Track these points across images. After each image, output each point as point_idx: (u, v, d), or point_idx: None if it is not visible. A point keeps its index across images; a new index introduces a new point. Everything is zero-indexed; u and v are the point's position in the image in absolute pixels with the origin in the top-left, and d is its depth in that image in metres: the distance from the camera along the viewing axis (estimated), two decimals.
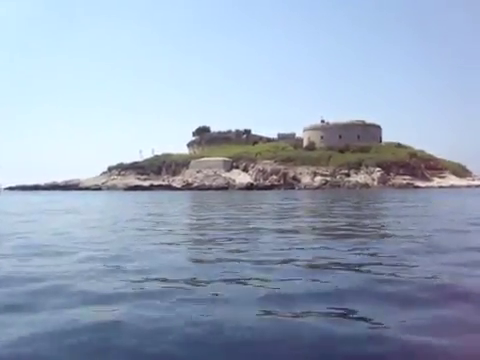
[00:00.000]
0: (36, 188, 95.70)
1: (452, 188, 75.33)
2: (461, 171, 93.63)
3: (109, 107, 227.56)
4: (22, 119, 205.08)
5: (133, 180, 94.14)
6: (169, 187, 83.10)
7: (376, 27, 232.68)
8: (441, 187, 78.59)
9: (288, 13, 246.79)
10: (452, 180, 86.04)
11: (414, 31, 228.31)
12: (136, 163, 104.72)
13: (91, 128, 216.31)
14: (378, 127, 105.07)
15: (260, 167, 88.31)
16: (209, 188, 78.33)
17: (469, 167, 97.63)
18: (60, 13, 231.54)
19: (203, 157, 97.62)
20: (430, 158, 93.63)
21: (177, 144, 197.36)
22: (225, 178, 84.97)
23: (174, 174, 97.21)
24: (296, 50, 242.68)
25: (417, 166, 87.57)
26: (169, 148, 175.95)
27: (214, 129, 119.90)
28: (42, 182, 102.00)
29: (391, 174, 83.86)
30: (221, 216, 16.01)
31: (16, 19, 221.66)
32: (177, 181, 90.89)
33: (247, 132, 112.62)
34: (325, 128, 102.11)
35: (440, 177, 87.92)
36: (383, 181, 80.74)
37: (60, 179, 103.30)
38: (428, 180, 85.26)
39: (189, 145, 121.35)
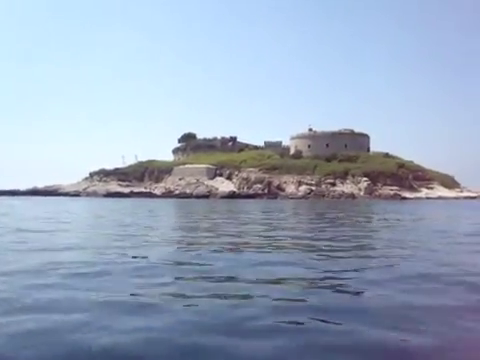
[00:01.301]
0: (14, 193, 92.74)
1: (440, 199, 73.77)
2: (450, 182, 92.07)
3: (95, 112, 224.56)
4: (5, 124, 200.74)
5: (115, 186, 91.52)
6: (150, 194, 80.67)
7: (367, 35, 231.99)
8: (429, 198, 76.96)
9: (277, 21, 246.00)
10: (440, 191, 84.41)
11: (406, 40, 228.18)
12: (118, 169, 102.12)
13: (77, 134, 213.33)
14: (366, 136, 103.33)
15: (244, 175, 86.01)
16: (190, 196, 75.95)
17: (458, 178, 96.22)
18: (45, 18, 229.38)
19: (186, 164, 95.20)
20: (418, 169, 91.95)
21: (164, 151, 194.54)
22: (207, 186, 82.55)
23: (157, 181, 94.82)
24: (286, 58, 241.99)
25: (405, 177, 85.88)
26: (156, 155, 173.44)
27: (201, 136, 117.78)
28: (23, 187, 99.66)
29: (378, 184, 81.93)
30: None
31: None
32: (159, 188, 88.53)
33: (233, 139, 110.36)
34: (312, 137, 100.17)
35: (428, 188, 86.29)
36: (370, 191, 78.74)
37: (42, 184, 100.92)
38: (416, 191, 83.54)
39: (174, 152, 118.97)
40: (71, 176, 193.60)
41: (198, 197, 74.00)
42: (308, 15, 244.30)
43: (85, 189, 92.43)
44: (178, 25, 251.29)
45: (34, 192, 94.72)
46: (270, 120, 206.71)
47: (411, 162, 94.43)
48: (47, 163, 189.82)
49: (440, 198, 77.29)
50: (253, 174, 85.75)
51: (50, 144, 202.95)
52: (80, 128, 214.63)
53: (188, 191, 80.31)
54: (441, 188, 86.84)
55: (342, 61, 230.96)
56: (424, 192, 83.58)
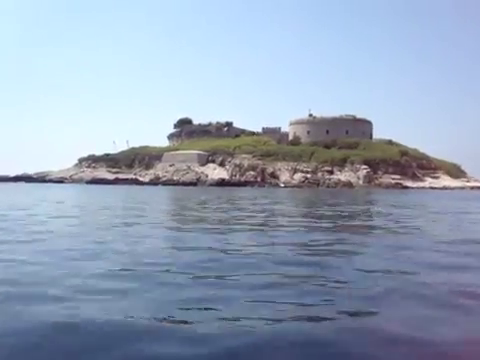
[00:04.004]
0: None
1: (444, 189, 68.98)
2: (456, 171, 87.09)
3: (90, 98, 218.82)
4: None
5: (103, 173, 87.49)
6: (136, 181, 76.32)
7: (370, 18, 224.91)
8: (433, 188, 72.15)
9: (276, 5, 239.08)
10: (445, 181, 79.60)
11: (409, 22, 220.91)
12: (108, 155, 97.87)
13: (72, 119, 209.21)
14: (369, 123, 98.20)
15: (237, 162, 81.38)
16: (177, 183, 71.52)
17: (464, 167, 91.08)
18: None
19: (178, 150, 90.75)
20: (423, 157, 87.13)
21: (161, 137, 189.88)
22: (197, 173, 78.18)
23: (147, 168, 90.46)
24: (286, 42, 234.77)
25: (408, 165, 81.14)
26: (152, 141, 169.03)
27: (198, 122, 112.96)
28: (19, 172, 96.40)
29: (379, 173, 77.32)
30: None
31: None
32: (149, 175, 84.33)
33: (228, 125, 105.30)
34: (312, 122, 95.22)
35: (433, 177, 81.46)
36: (369, 180, 73.93)
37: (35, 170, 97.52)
38: (419, 180, 78.80)
39: (169, 138, 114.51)
40: (68, 162, 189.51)
41: (185, 184, 69.59)
42: (309, 1, 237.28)
43: (72, 176, 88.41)
44: (174, 10, 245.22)
45: (20, 178, 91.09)
46: (270, 106, 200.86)
47: (416, 150, 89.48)
48: (44, 149, 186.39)
49: (445, 188, 72.42)
50: (246, 161, 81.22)
51: (46, 129, 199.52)
52: (75, 113, 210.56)
53: (175, 178, 75.99)
54: (446, 177, 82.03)
55: (344, 45, 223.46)
56: (428, 181, 78.87)
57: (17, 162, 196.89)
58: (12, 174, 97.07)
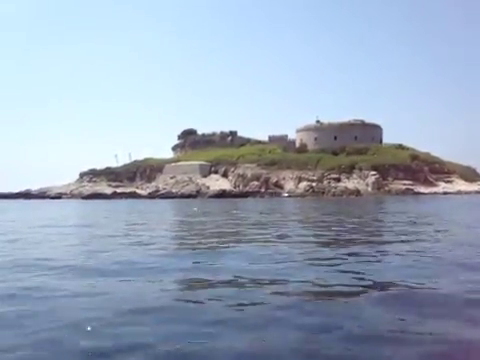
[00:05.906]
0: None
1: (459, 194, 65.06)
2: (470, 175, 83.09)
3: (93, 111, 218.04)
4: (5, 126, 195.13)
5: (103, 187, 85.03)
6: (134, 195, 73.56)
7: (376, 22, 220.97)
8: (446, 193, 68.08)
9: (281, 10, 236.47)
10: (460, 185, 75.58)
11: (418, 24, 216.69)
12: (109, 169, 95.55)
13: (78, 134, 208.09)
14: (378, 127, 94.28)
15: (240, 171, 78.25)
16: (175, 196, 68.54)
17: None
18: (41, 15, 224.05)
19: (180, 161, 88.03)
20: (435, 161, 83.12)
21: (166, 149, 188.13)
22: (197, 184, 75.22)
23: (149, 180, 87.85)
24: (293, 48, 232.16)
25: (419, 169, 77.15)
26: (157, 153, 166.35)
27: (203, 132, 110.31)
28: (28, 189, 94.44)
29: (389, 178, 73.52)
30: None
31: None
32: (150, 188, 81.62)
33: (232, 134, 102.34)
34: (319, 129, 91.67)
35: (446, 182, 77.42)
36: (378, 186, 70.14)
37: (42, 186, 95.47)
38: (432, 185, 74.87)
39: (174, 149, 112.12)
40: (72, 177, 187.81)
41: (184, 197, 66.59)
42: (314, 3, 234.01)
43: (72, 191, 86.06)
44: (178, 19, 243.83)
45: (21, 195, 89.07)
46: (277, 114, 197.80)
47: (427, 153, 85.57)
48: (49, 165, 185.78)
49: (459, 193, 68.44)
50: (250, 170, 78.07)
51: (50, 145, 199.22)
52: (79, 128, 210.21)
53: (174, 190, 72.99)
54: (461, 181, 77.98)
55: (352, 50, 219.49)
56: (441, 186, 74.92)
57: (24, 179, 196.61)
58: (17, 191, 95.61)
